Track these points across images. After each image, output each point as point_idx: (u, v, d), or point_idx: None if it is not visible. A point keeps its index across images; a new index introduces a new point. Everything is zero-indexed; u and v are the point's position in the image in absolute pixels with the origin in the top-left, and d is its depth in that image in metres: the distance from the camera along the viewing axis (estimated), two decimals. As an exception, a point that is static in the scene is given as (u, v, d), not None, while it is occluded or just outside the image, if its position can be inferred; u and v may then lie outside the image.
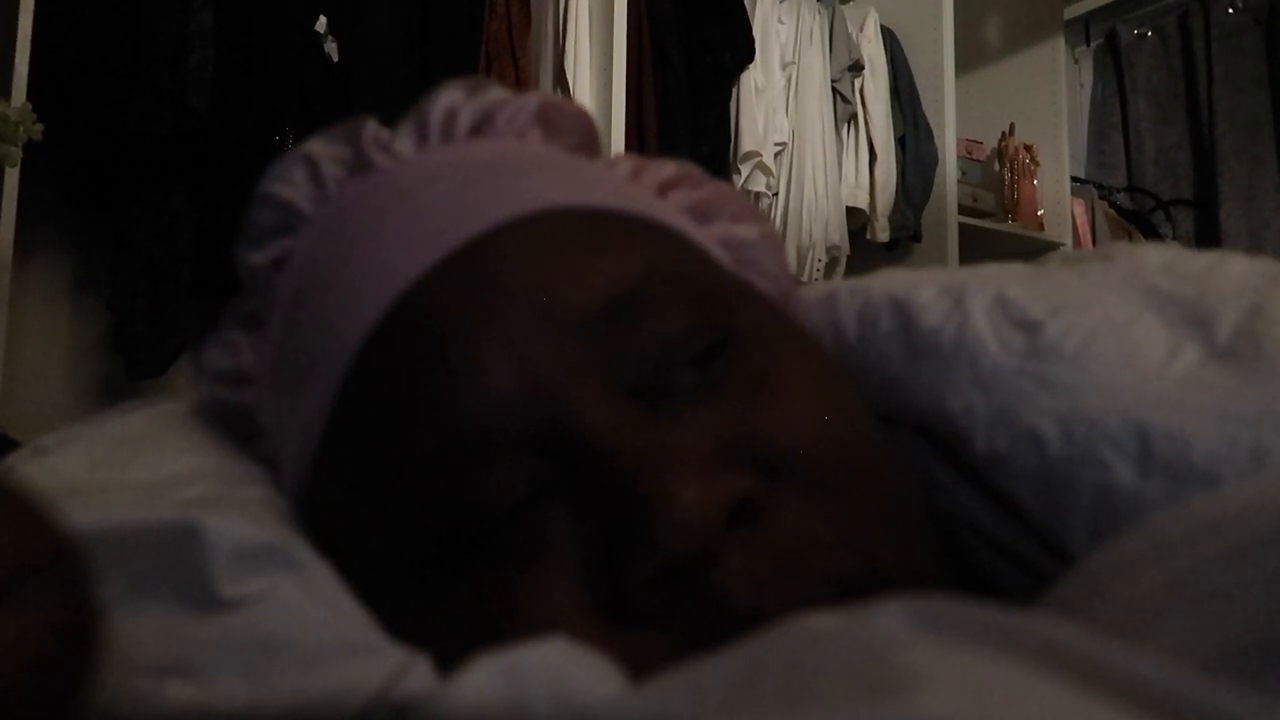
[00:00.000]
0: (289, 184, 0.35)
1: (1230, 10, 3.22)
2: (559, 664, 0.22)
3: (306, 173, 0.35)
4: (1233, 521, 0.21)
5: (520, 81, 2.01)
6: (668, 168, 0.38)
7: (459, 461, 0.28)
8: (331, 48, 1.83)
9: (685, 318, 0.30)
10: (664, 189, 0.37)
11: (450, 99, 0.36)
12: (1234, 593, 0.19)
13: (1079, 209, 3.02)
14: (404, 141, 0.35)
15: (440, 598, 0.28)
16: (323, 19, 1.82)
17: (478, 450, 0.28)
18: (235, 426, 0.36)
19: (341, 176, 0.35)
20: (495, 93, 0.37)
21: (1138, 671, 0.16)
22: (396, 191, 0.33)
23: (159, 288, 1.74)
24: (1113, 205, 3.17)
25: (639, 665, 0.24)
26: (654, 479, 0.27)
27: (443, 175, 0.33)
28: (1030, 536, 0.32)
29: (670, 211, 0.36)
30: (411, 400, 0.29)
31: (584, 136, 0.39)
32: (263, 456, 0.34)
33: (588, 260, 0.30)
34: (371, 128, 0.36)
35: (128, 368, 1.75)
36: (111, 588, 0.26)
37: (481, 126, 0.36)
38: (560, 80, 2.07)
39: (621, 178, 0.37)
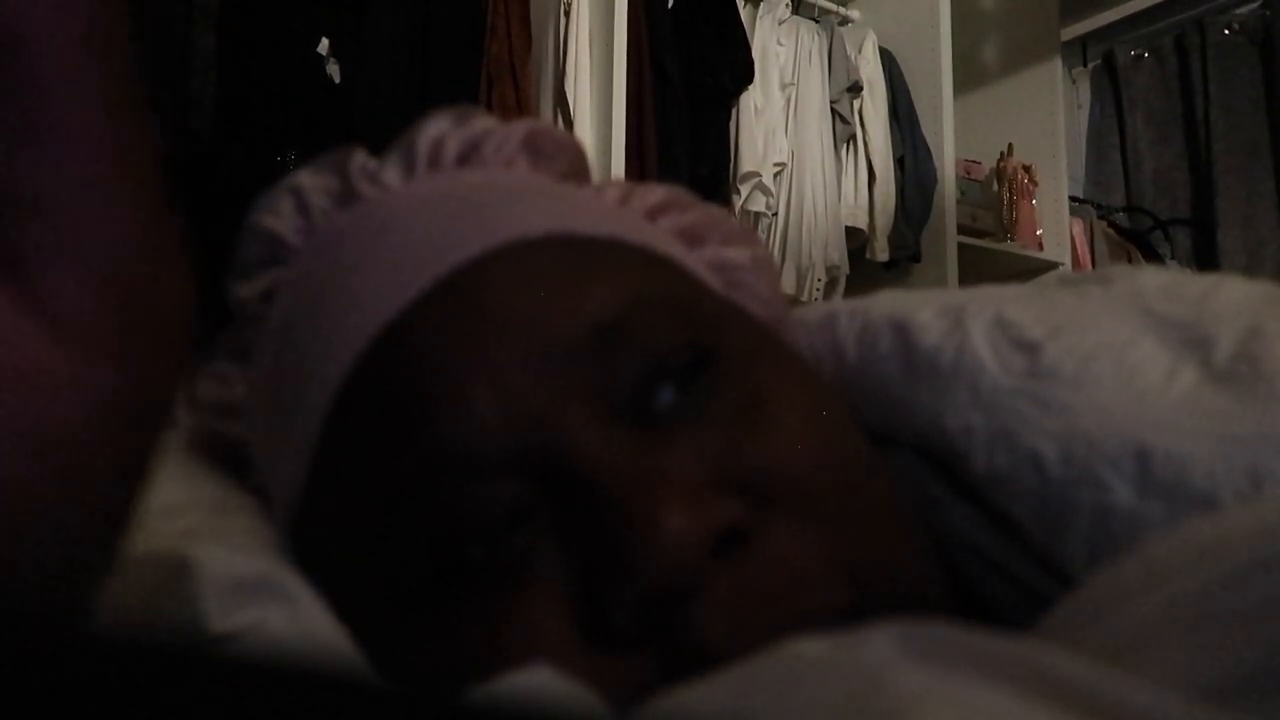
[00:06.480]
0: (276, 216, 0.35)
1: (1226, 31, 3.24)
2: (545, 693, 0.21)
3: (293, 204, 0.35)
4: (1229, 547, 0.21)
5: (521, 103, 2.02)
6: (657, 192, 0.38)
7: (443, 488, 0.28)
8: (333, 69, 1.84)
9: (672, 338, 0.30)
10: (653, 214, 0.37)
11: (437, 128, 0.36)
12: (1230, 619, 0.19)
13: (1078, 228, 3.03)
14: (391, 172, 0.35)
15: (426, 627, 0.28)
16: (325, 41, 1.83)
17: (461, 476, 0.28)
18: (227, 458, 0.36)
19: (328, 208, 0.35)
20: (482, 121, 0.37)
21: (1131, 700, 0.16)
22: (383, 222, 0.33)
23: (160, 308, 1.75)
24: (1111, 225, 3.18)
25: (616, 690, 0.24)
26: (640, 504, 0.26)
27: (429, 205, 0.33)
28: (1029, 558, 0.32)
29: (660, 236, 0.35)
30: (396, 429, 0.29)
31: (572, 163, 0.39)
32: (254, 487, 0.34)
33: (574, 288, 0.30)
34: (359, 158, 0.36)
35: (128, 388, 1.75)
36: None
37: (469, 155, 0.36)
38: (561, 102, 2.08)
39: (610, 203, 0.37)
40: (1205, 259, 3.15)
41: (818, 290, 2.39)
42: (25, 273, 0.15)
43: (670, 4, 2.28)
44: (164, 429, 0.18)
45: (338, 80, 1.83)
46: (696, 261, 0.36)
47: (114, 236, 0.16)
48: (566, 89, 2.07)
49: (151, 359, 0.17)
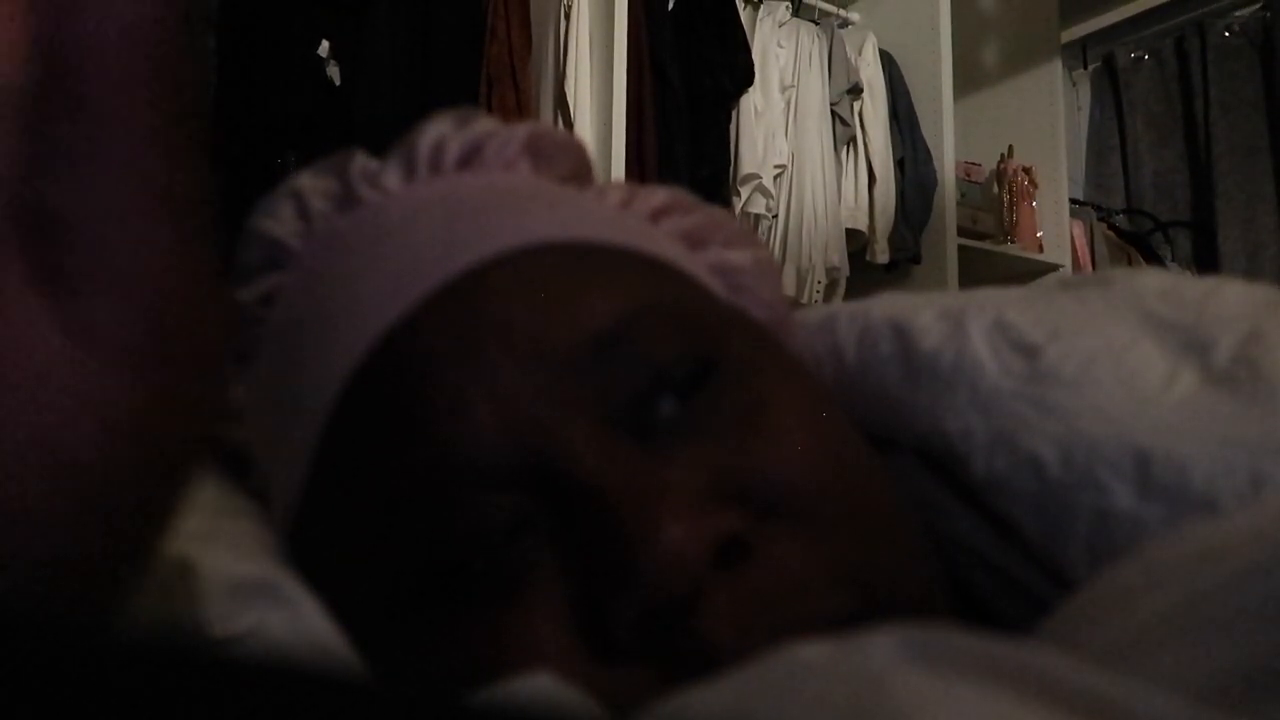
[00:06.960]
0: (276, 220, 0.35)
1: (1226, 34, 3.24)
2: (546, 698, 0.21)
3: (294, 208, 0.35)
4: (1229, 550, 0.21)
5: (521, 105, 2.02)
6: (659, 195, 0.38)
7: (442, 497, 0.28)
8: (334, 71, 1.84)
9: (672, 348, 0.30)
10: (655, 217, 0.37)
11: (438, 131, 0.36)
12: (1230, 621, 0.19)
13: (1078, 231, 3.03)
14: (391, 175, 0.35)
15: (424, 635, 0.28)
16: (325, 43, 1.84)
17: (460, 485, 0.28)
18: (227, 460, 0.36)
19: (329, 211, 0.35)
20: (484, 124, 0.37)
21: (1132, 703, 0.16)
22: (383, 227, 0.33)
23: (160, 310, 1.75)
24: (1111, 227, 3.18)
25: (619, 701, 0.24)
26: (641, 515, 0.26)
27: (429, 209, 0.33)
28: (1029, 561, 0.32)
29: (661, 240, 0.35)
30: (396, 436, 0.29)
31: (574, 165, 0.38)
32: (253, 490, 0.34)
33: (575, 296, 0.30)
34: (359, 161, 0.35)
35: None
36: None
37: (470, 158, 0.36)
38: (561, 104, 2.08)
39: (612, 207, 0.37)
40: (1205, 261, 3.15)
41: (818, 292, 2.39)
42: (61, 289, 0.16)
43: (670, 6, 2.29)
44: (196, 450, 0.18)
45: (338, 82, 1.84)
46: (698, 265, 0.36)
47: (150, 261, 0.16)
48: (566, 91, 2.07)
49: (181, 382, 0.17)
